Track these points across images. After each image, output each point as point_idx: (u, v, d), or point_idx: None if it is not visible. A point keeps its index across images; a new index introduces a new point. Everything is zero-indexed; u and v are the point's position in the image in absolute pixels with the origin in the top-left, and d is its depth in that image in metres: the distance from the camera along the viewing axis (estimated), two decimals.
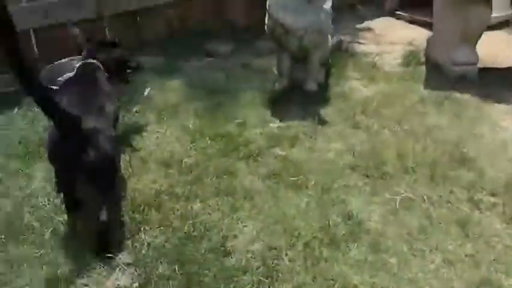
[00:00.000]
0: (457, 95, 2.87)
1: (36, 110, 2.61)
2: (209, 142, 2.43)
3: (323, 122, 2.63)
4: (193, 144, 2.42)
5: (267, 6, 2.63)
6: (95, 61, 2.19)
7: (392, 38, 3.82)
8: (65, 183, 1.76)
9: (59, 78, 3.00)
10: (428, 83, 3.03)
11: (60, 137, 1.67)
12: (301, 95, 2.90)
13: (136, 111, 2.71)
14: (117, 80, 2.31)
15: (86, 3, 3.19)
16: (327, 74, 3.11)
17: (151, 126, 2.60)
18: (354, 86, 3.06)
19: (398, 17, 4.25)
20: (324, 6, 2.65)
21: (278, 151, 2.40)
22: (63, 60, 3.08)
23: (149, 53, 3.30)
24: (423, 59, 3.33)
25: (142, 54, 3.09)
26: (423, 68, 3.24)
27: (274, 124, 2.63)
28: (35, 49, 3.13)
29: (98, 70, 2.16)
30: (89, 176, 1.69)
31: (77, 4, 3.15)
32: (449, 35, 3.02)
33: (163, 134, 2.52)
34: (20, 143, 2.40)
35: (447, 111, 2.71)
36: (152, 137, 2.49)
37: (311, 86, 2.93)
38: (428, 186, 2.12)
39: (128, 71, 2.42)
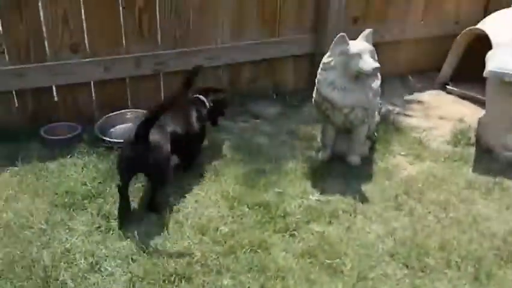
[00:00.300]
0: (508, 182, 2.76)
1: (86, 159, 2.73)
2: (247, 211, 2.43)
3: (363, 199, 2.58)
4: (231, 211, 2.42)
5: (316, 81, 2.66)
6: (203, 98, 2.90)
7: (441, 113, 3.75)
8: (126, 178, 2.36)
9: (111, 129, 3.16)
10: (477, 167, 2.93)
11: (132, 142, 2.27)
12: (343, 168, 2.87)
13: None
14: (211, 119, 3.02)
15: None
16: (372, 148, 3.07)
17: (192, 186, 2.63)
18: (398, 162, 3.00)
19: (449, 91, 4.18)
20: (373, 85, 2.65)
21: (315, 227, 2.36)
22: (117, 113, 3.24)
23: None
24: (473, 139, 3.24)
25: None
26: (473, 149, 3.14)
27: (314, 196, 2.60)
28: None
29: (200, 105, 2.86)
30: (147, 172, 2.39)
31: None
32: (501, 119, 2.95)
33: (203, 197, 2.54)
34: (66, 193, 2.48)
35: (496, 201, 2.60)
36: (191, 199, 2.51)
37: (354, 159, 2.90)
38: (472, 284, 2.01)
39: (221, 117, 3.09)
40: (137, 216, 2.37)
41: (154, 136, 2.27)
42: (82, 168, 2.74)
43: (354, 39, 2.61)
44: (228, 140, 3.13)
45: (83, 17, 3.05)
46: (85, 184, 2.57)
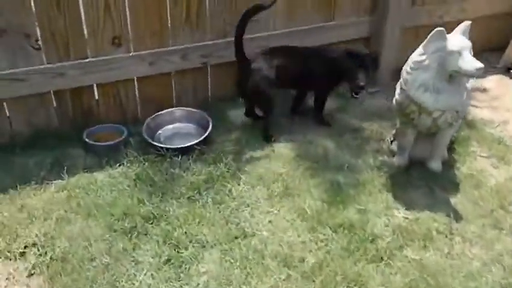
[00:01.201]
0: None
1: (137, 168, 2.44)
2: (330, 234, 2.14)
3: (457, 216, 2.28)
4: (313, 235, 2.14)
5: (402, 81, 2.32)
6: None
7: (508, 104, 3.40)
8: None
9: (159, 131, 2.86)
10: None
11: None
12: (424, 175, 2.56)
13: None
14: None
15: None
16: (449, 149, 2.75)
17: (260, 201, 2.34)
18: (483, 167, 2.68)
19: None
20: (467, 85, 2.31)
21: (411, 253, 2.08)
22: (163, 112, 2.93)
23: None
24: None
25: None
26: None
27: (400, 213, 2.31)
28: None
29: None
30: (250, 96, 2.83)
31: None
32: None
33: (276, 215, 2.25)
34: (125, 214, 2.20)
35: None
36: (264, 220, 2.23)
37: (436, 165, 2.59)
38: None
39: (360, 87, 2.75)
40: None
41: (255, 63, 2.67)
42: (135, 180, 2.46)
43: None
44: (290, 141, 2.82)
45: (126, 6, 2.69)
46: (143, 202, 2.29)
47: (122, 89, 2.90)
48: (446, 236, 2.18)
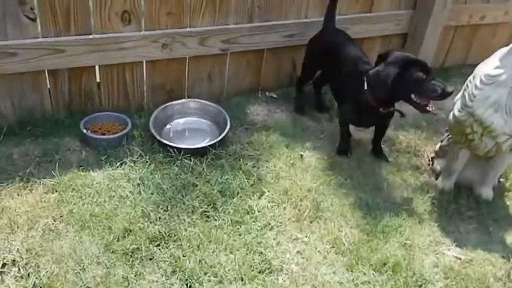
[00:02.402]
0: None
1: (142, 170, 2.06)
2: (372, 274, 1.79)
3: None
4: (352, 274, 1.78)
5: (467, 96, 1.94)
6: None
7: None
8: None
9: (168, 125, 2.48)
10: None
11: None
12: (473, 205, 2.22)
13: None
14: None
15: None
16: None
17: (288, 225, 1.98)
18: None
19: None
20: None
21: None
22: (174, 103, 2.54)
23: None
24: None
25: None
26: None
27: (450, 251, 1.97)
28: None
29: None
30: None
31: None
32: None
33: (306, 244, 1.90)
34: (126, 232, 1.82)
35: None
36: (292, 249, 1.87)
37: (487, 193, 2.25)
38: None
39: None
40: None
41: None
42: (139, 186, 2.08)
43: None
44: (319, 149, 2.45)
45: None
46: (148, 216, 1.91)
47: (129, 73, 2.50)
48: (505, 285, 1.84)
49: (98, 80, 2.46)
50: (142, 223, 1.87)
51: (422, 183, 2.33)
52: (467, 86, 1.97)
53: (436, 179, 2.36)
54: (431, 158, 2.49)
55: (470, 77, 1.97)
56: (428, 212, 2.14)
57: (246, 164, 2.27)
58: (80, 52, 2.29)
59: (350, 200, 2.14)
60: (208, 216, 1.96)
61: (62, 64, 2.29)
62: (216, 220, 1.93)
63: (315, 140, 2.53)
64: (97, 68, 2.42)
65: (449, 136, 2.29)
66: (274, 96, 2.87)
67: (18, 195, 1.98)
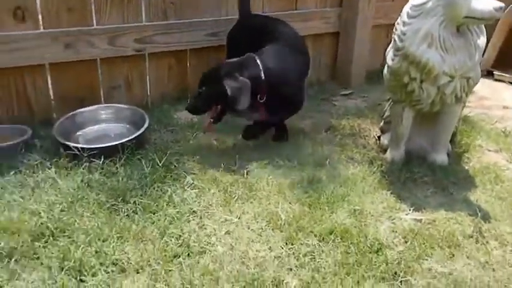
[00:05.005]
0: None
1: (40, 175, 1.70)
2: (317, 244, 1.45)
3: (484, 216, 1.66)
4: (291, 247, 1.44)
5: (397, 39, 1.75)
6: None
7: (502, 102, 2.96)
8: None
9: (78, 132, 2.15)
10: None
11: None
12: (428, 171, 1.96)
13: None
14: None
15: None
16: (451, 142, 2.18)
17: (215, 209, 1.64)
18: (495, 160, 2.13)
19: (497, 78, 3.43)
20: (479, 42, 1.77)
21: (436, 265, 1.41)
22: (85, 110, 2.24)
23: None
24: None
25: None
26: None
27: (407, 216, 1.67)
28: None
29: None
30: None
31: None
32: None
33: (237, 225, 1.55)
34: (3, 231, 1.42)
35: None
36: (219, 231, 1.52)
37: (442, 158, 2.01)
38: None
39: None
40: None
41: None
42: (33, 189, 1.70)
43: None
44: (250, 140, 2.17)
45: None
46: (38, 214, 1.53)
47: (29, 79, 2.20)
48: (477, 241, 1.54)
49: None
50: (27, 222, 1.48)
51: (370, 158, 2.06)
52: (395, 29, 1.78)
53: (384, 155, 2.10)
54: (378, 136, 2.26)
55: (398, 19, 1.78)
56: (378, 181, 1.86)
57: (169, 159, 1.95)
58: None
59: (289, 178, 1.84)
60: (115, 210, 1.60)
61: None
62: (123, 211, 1.57)
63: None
64: None
65: (390, 102, 2.07)
66: None
67: None
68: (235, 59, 2.00)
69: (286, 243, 1.46)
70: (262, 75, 1.91)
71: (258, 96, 1.91)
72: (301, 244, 1.45)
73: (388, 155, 2.05)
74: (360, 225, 1.56)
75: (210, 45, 2.59)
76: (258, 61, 1.94)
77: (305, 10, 2.91)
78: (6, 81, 2.15)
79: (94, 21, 2.26)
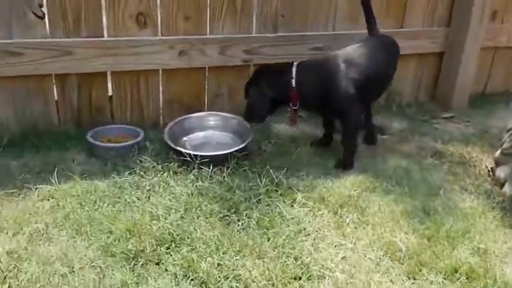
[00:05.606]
0: None
1: (153, 178, 1.75)
2: (442, 282, 1.38)
3: None
4: (415, 281, 1.38)
5: None
6: None
7: None
8: None
9: (185, 138, 2.21)
10: None
11: None
12: None
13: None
14: None
15: None
16: None
17: (327, 231, 1.60)
18: None
19: None
20: None
21: None
22: (193, 116, 2.30)
23: None
24: None
25: None
26: None
27: None
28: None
29: None
30: None
31: None
32: None
33: (353, 251, 1.51)
34: (129, 232, 1.47)
35: None
36: (335, 256, 1.48)
37: None
38: None
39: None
40: None
41: None
42: (149, 191, 1.76)
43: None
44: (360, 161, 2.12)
45: None
46: (158, 219, 1.57)
47: (143, 83, 2.29)
48: None
49: (110, 93, 2.25)
50: (148, 225, 1.53)
51: (486, 190, 1.94)
52: None
53: (501, 189, 1.97)
54: (491, 168, 2.13)
55: None
56: (500, 218, 1.74)
57: (274, 173, 1.94)
58: (90, 55, 2.10)
59: (401, 205, 1.77)
60: (229, 220, 1.61)
61: (71, 68, 2.10)
62: (238, 224, 1.58)
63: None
64: (108, 74, 2.22)
65: (511, 133, 1.95)
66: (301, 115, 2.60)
67: (8, 202, 1.69)
68: (274, 67, 2.09)
69: (409, 277, 1.39)
70: (293, 83, 1.96)
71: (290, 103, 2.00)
72: (425, 280, 1.38)
73: (508, 189, 1.92)
74: (485, 266, 1.47)
75: None
76: (293, 69, 1.98)
77: (411, 29, 2.81)
78: (124, 83, 2.25)
79: (208, 30, 2.31)
